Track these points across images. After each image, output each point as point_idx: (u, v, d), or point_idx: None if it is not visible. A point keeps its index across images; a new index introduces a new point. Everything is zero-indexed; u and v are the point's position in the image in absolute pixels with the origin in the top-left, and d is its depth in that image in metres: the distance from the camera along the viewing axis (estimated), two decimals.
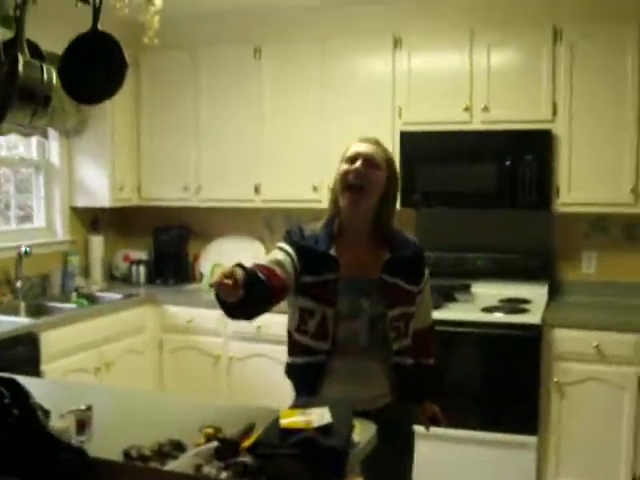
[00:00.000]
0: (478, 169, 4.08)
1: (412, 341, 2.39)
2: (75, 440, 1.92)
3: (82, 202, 4.82)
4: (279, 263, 2.21)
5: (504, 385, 3.80)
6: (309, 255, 2.27)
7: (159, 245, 5.08)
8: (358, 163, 2.25)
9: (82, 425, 2.00)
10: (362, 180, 2.24)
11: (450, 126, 4.12)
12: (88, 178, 4.78)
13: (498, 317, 3.85)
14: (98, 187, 4.76)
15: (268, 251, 4.83)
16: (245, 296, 1.91)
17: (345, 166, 2.28)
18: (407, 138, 4.18)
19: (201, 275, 5.02)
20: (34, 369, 3.61)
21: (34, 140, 4.67)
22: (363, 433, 1.95)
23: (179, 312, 4.50)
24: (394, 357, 2.33)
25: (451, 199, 4.18)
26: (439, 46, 4.19)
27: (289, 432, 1.78)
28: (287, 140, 4.53)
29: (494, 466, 3.82)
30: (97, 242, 4.96)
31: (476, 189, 4.10)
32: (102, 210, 4.93)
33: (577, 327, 3.72)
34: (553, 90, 3.95)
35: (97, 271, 4.93)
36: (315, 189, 4.42)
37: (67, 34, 2.41)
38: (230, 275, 1.87)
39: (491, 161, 4.04)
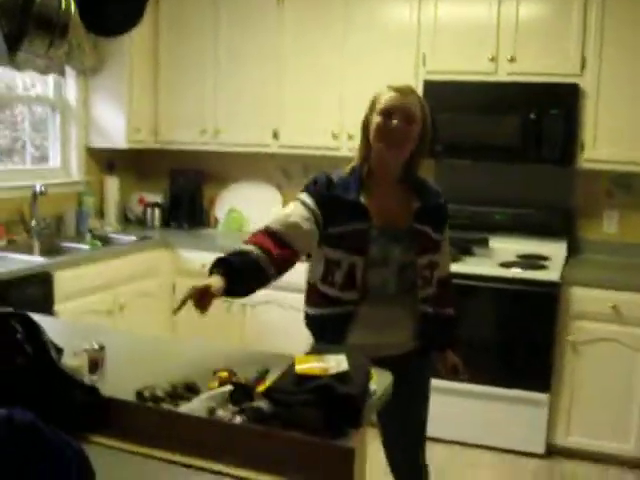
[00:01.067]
0: (502, 122, 3.99)
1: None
2: (87, 379, 1.91)
3: (98, 143, 4.77)
4: (294, 226, 2.19)
5: (519, 341, 3.77)
6: (337, 204, 2.23)
7: (175, 189, 5.04)
8: (396, 121, 2.19)
9: (95, 364, 1.99)
10: (402, 138, 2.20)
11: (475, 76, 4.02)
12: (104, 119, 4.72)
13: (516, 272, 3.79)
14: (114, 128, 4.69)
15: (285, 198, 4.81)
16: (233, 288, 2.03)
17: (380, 119, 2.20)
18: (430, 87, 4.07)
19: (216, 220, 4.98)
20: (48, 308, 3.60)
21: (51, 79, 4.60)
22: (380, 382, 1.92)
23: (193, 257, 4.46)
24: (420, 305, 2.31)
25: (472, 151, 4.10)
26: None
27: (305, 378, 1.75)
28: (307, 86, 4.44)
29: (505, 422, 3.82)
30: (112, 184, 4.92)
31: (499, 142, 4.01)
32: (118, 152, 4.87)
33: (595, 286, 3.67)
34: (583, 43, 3.83)
35: (112, 213, 4.90)
36: (335, 136, 4.35)
37: None
38: (201, 294, 1.98)
39: (515, 114, 3.94)
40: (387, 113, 2.19)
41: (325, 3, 4.35)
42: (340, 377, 1.75)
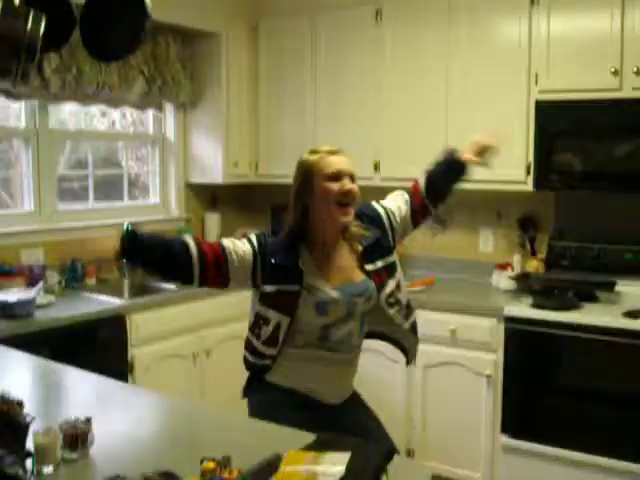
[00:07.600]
0: (628, 145, 3.41)
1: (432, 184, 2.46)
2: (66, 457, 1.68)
3: (197, 178, 4.64)
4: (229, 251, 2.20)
5: None
6: (274, 265, 2.23)
7: (278, 223, 4.80)
8: (348, 183, 2.22)
9: (74, 440, 1.72)
10: (356, 197, 2.25)
11: (595, 94, 3.48)
12: (203, 153, 4.58)
13: None
14: (212, 163, 4.55)
15: None
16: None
17: (330, 184, 2.21)
18: (544, 108, 3.59)
19: None
20: (122, 352, 3.49)
21: (150, 114, 4.54)
22: None
23: None
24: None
25: (595, 181, 3.52)
26: (583, 2, 3.53)
27: None
28: (410, 111, 4.07)
29: None
30: (214, 220, 4.76)
31: (625, 169, 3.44)
32: (220, 187, 4.71)
33: None
34: None
35: None
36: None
37: None
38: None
39: None
40: (336, 177, 2.22)
41: (426, 21, 3.98)
42: None
